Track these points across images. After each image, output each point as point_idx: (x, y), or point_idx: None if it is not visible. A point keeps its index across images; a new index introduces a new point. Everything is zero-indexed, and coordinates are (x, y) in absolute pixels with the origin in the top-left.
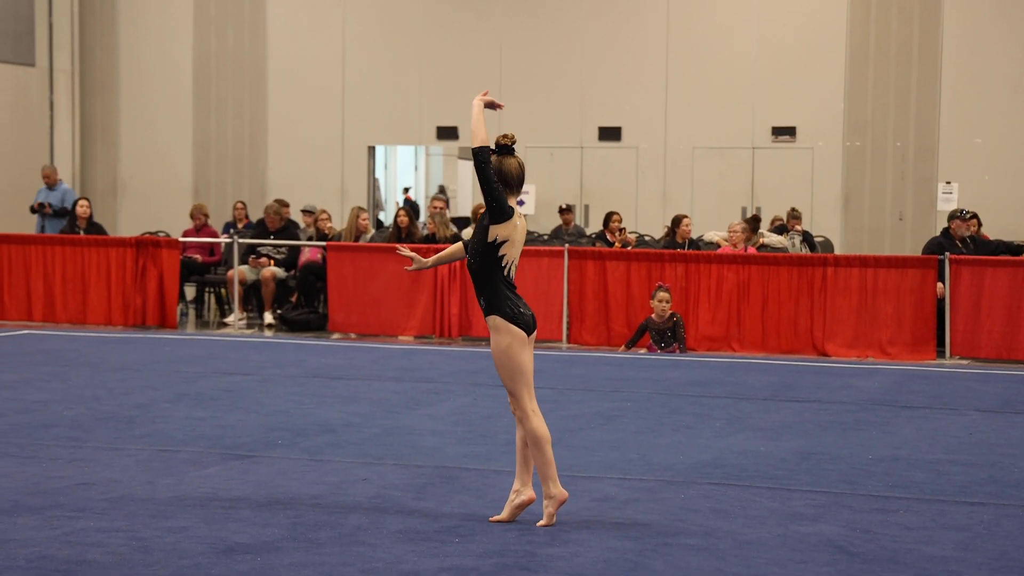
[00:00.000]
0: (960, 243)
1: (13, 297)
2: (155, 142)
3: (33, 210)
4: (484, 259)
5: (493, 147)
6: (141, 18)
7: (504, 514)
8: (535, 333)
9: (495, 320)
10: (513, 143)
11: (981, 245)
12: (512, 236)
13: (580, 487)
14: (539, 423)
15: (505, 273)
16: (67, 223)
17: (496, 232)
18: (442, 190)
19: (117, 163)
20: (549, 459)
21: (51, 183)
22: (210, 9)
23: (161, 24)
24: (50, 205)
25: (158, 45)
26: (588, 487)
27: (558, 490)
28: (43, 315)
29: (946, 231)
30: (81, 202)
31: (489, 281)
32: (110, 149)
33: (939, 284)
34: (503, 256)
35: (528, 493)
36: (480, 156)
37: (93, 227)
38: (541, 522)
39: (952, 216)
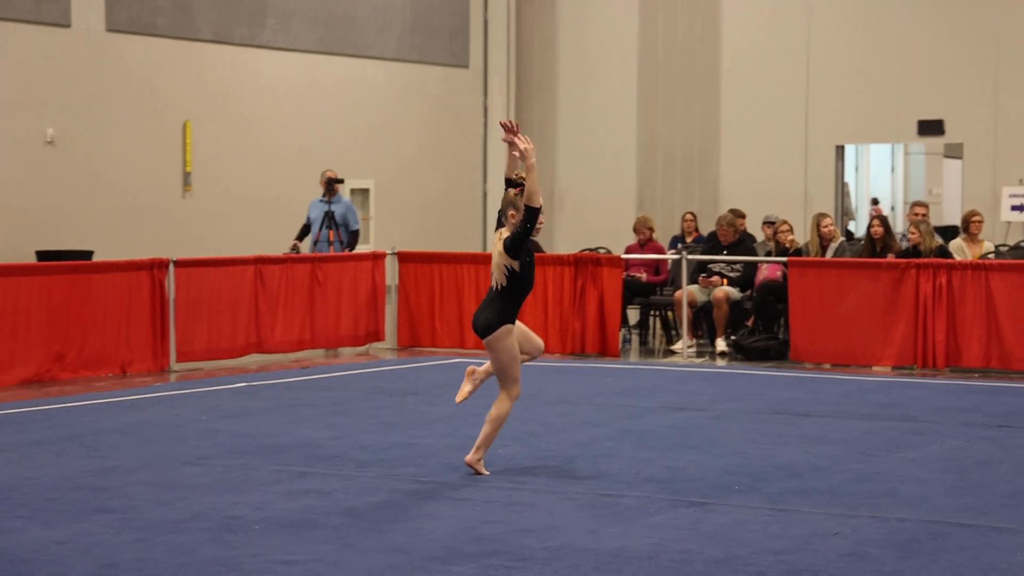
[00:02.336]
0: None
1: (444, 323)
2: (595, 146)
3: (295, 248)
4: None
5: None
6: (582, 8)
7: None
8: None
9: None
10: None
11: None
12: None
13: None
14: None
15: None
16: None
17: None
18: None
19: (554, 171)
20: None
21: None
22: None
23: (603, 14)
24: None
25: (600, 37)
26: None
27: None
28: (475, 341)
29: None
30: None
31: None
32: (546, 155)
33: None
34: None
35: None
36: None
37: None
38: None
39: None
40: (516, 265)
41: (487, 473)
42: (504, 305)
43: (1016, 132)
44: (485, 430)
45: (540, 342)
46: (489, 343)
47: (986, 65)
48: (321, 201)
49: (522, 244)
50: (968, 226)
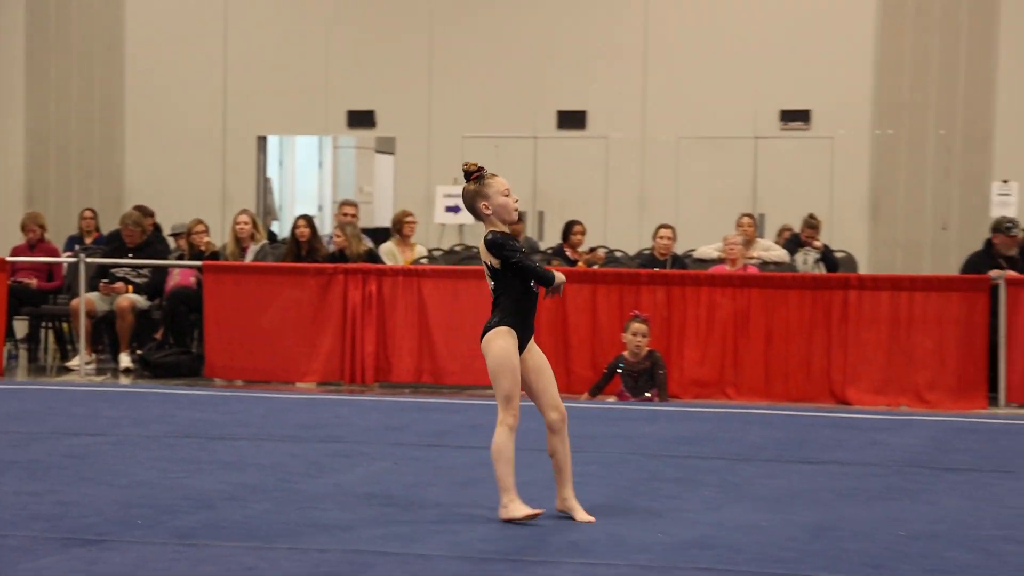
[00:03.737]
0: (1005, 262)
1: None
2: None
3: None
4: None
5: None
6: None
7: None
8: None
9: None
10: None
11: None
12: None
13: (532, 574)
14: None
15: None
16: None
17: None
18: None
19: None
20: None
21: None
22: None
23: None
24: None
25: None
26: (540, 573)
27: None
28: None
29: (989, 244)
30: None
31: None
32: None
33: None
34: None
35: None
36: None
37: None
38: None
39: (995, 228)
40: (496, 263)
41: (539, 511)
42: (502, 311)
43: (449, 125)
44: (496, 471)
45: (553, 409)
46: (483, 349)
47: (419, 55)
48: None
49: (504, 244)
50: (400, 228)
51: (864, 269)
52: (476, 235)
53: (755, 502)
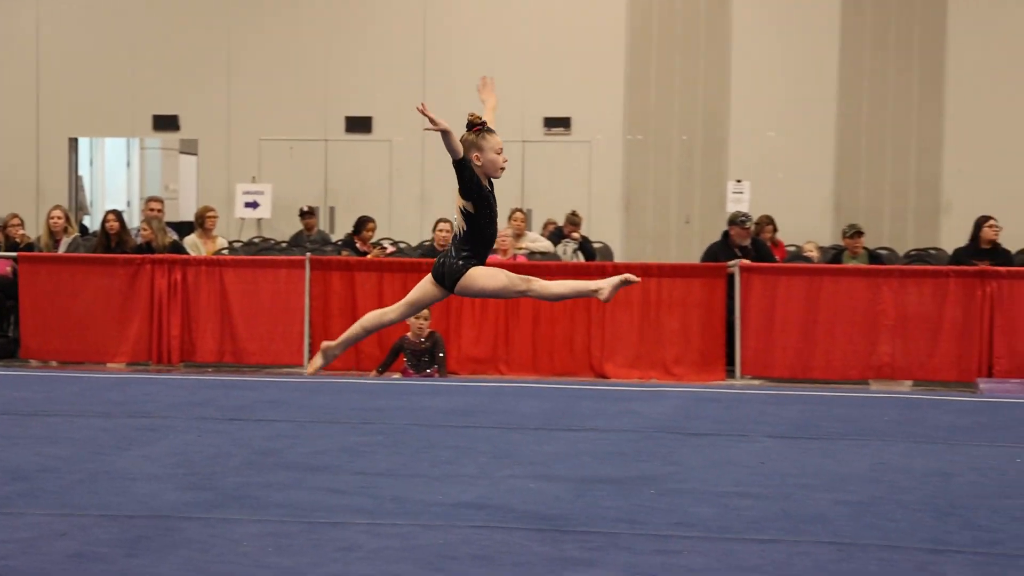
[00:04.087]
0: (740, 251)
1: None
2: None
3: None
4: None
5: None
6: None
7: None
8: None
9: None
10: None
11: (764, 253)
12: None
13: (322, 535)
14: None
15: None
16: None
17: None
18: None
19: None
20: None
21: None
22: None
23: None
24: None
25: None
26: (332, 535)
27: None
28: None
29: (726, 236)
30: None
31: None
32: None
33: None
34: None
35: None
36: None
37: None
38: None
39: (731, 221)
40: (470, 206)
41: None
42: (472, 249)
43: (248, 129)
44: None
45: (520, 283)
46: (463, 290)
47: (219, 61)
48: None
49: (471, 183)
50: (203, 222)
51: (619, 258)
52: (272, 229)
53: (524, 466)
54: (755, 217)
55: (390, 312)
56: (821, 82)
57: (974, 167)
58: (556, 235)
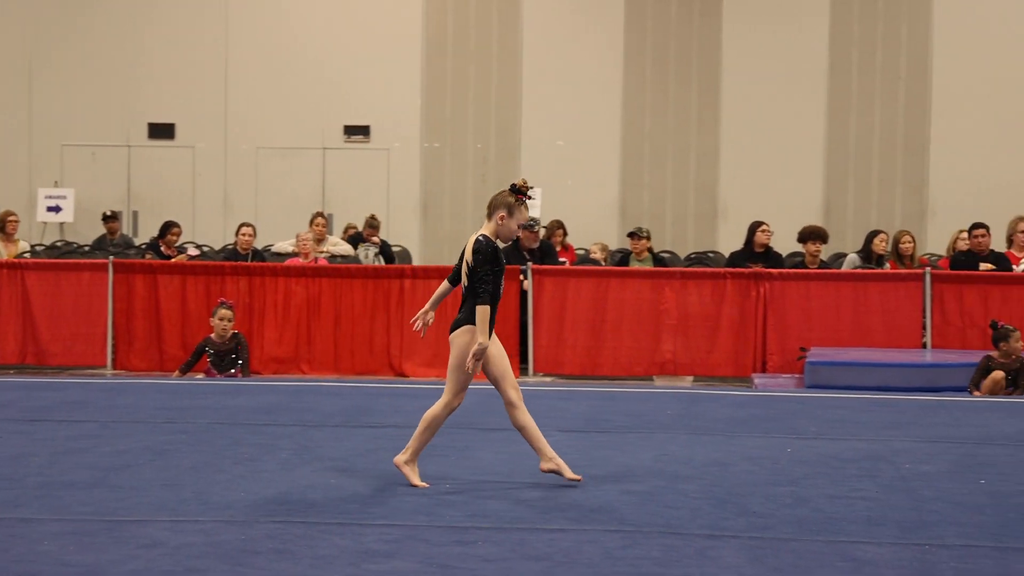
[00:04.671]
0: (528, 254)
1: None
2: None
3: None
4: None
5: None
6: None
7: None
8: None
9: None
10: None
11: (550, 256)
12: None
13: (124, 533)
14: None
15: None
16: None
17: None
18: None
19: None
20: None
21: None
22: None
23: None
24: None
25: None
26: (135, 532)
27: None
28: None
29: (516, 240)
30: None
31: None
32: None
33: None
34: None
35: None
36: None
37: None
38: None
39: (521, 227)
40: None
41: (422, 485)
42: (470, 309)
43: (50, 134)
44: (417, 431)
45: (513, 388)
46: (451, 340)
47: (20, 66)
48: None
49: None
50: (4, 226)
51: (417, 261)
52: (75, 233)
53: (325, 462)
54: (546, 222)
55: (454, 400)
56: (606, 94)
57: (748, 174)
58: (356, 239)
